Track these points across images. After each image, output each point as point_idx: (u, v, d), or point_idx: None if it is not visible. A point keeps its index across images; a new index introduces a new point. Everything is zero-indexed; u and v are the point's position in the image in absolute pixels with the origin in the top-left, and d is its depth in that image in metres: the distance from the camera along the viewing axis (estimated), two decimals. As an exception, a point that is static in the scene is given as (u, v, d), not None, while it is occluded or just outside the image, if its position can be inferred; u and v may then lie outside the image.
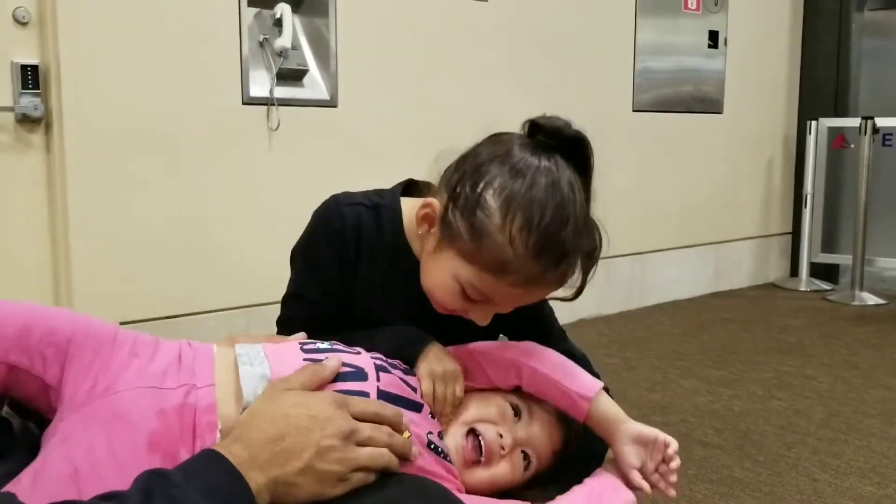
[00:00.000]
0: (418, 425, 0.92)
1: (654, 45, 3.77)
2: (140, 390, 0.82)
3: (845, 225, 4.30)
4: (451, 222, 0.95)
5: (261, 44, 2.57)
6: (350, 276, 1.09)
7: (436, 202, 1.01)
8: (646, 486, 0.96)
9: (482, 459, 0.97)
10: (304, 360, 0.91)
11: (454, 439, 0.98)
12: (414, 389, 0.97)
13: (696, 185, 4.00)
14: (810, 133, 4.32)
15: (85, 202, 2.27)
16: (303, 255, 1.14)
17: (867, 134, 4.05)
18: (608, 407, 1.00)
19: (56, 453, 0.77)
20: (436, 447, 0.92)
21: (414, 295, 1.04)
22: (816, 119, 4.33)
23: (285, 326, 1.16)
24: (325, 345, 0.96)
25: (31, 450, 0.81)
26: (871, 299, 4.05)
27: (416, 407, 0.94)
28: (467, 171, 0.98)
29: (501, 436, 0.98)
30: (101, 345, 0.85)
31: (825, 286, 4.39)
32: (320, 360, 0.91)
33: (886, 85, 4.80)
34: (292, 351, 0.93)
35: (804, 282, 4.42)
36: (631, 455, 0.97)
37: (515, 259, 0.91)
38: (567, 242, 0.92)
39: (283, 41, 2.54)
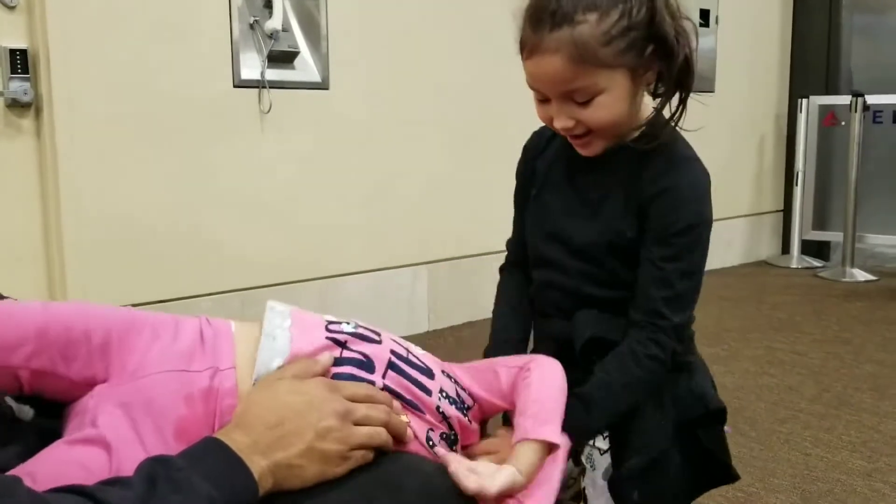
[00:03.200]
0: (418, 422, 0.91)
1: (646, 23, 3.75)
2: (168, 374, 0.83)
3: (836, 202, 4.32)
4: None
5: (251, 26, 2.55)
6: (535, 186, 1.16)
7: None
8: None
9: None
10: (326, 338, 0.91)
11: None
12: (427, 392, 0.94)
13: (687, 163, 3.99)
14: (801, 111, 4.33)
15: (76, 187, 2.26)
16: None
17: (858, 111, 4.06)
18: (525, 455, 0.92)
19: (84, 433, 0.78)
20: (433, 445, 0.92)
21: (565, 175, 1.11)
22: (807, 97, 4.34)
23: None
24: (350, 327, 0.95)
25: (32, 435, 0.81)
26: (861, 275, 4.08)
27: (417, 407, 0.93)
28: None
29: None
30: (122, 332, 0.84)
31: (816, 263, 4.42)
32: (340, 340, 0.91)
33: (877, 62, 4.80)
34: (317, 327, 0.92)
35: (795, 259, 4.45)
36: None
37: (524, 35, 1.02)
38: (552, 3, 0.98)
39: (274, 23, 2.53)
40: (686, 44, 1.01)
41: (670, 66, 0.99)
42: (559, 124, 1.01)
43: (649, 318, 1.02)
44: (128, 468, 0.73)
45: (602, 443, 1.11)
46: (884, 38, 4.83)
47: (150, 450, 0.77)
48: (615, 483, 1.07)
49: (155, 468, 0.69)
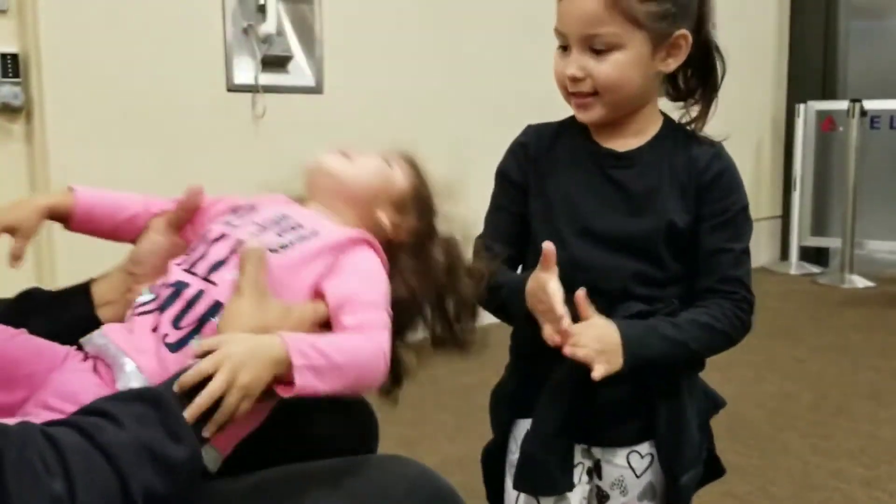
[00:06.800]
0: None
1: (643, 28, 3.75)
2: (81, 374, 0.83)
3: (835, 208, 4.31)
4: None
5: (245, 30, 2.54)
6: (538, 177, 1.13)
7: None
8: None
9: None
10: (138, 315, 0.86)
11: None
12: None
13: (685, 169, 3.98)
14: (799, 116, 4.32)
15: (68, 192, 2.25)
16: (496, 176, 1.19)
17: (855, 116, 4.05)
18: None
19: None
20: (273, 249, 0.88)
21: (596, 171, 1.08)
22: (805, 102, 4.33)
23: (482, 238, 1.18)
24: (147, 296, 0.90)
25: None
26: (860, 282, 4.06)
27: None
28: None
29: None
30: (47, 367, 0.84)
31: (815, 269, 4.40)
32: (151, 309, 0.87)
33: (874, 67, 4.80)
34: (138, 328, 0.86)
35: (794, 265, 4.43)
36: None
37: None
38: None
39: (268, 27, 2.52)
40: (723, 61, 1.14)
41: (706, 76, 1.13)
42: (569, 71, 1.03)
43: (733, 288, 1.04)
44: None
45: (640, 462, 1.09)
46: (881, 43, 4.83)
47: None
48: (674, 496, 1.09)
49: (147, 411, 0.68)
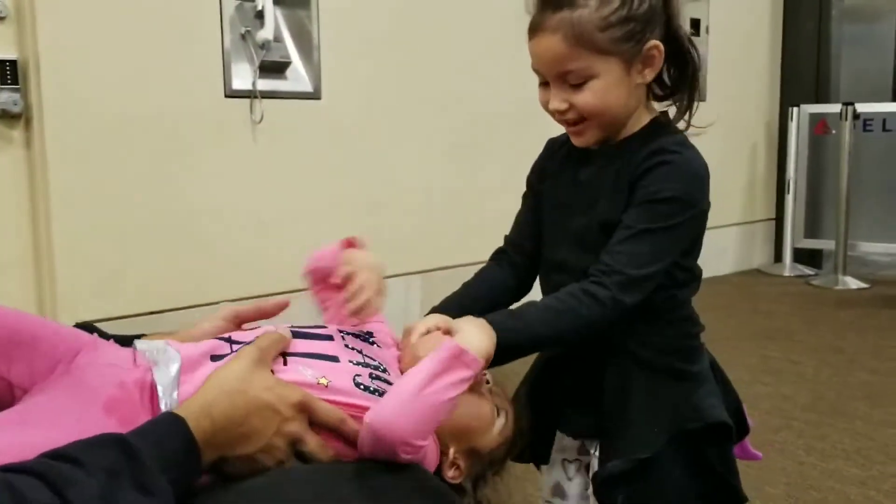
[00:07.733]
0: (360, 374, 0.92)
1: (637, 33, 3.76)
2: (100, 366, 0.84)
3: (828, 210, 4.33)
4: None
5: (242, 36, 2.55)
6: (541, 184, 1.18)
7: None
8: None
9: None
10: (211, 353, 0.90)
11: None
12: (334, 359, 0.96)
13: (680, 172, 4.00)
14: (792, 119, 4.34)
15: (67, 197, 2.25)
16: None
17: (848, 120, 4.08)
18: None
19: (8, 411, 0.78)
20: (366, 387, 0.91)
21: (573, 172, 1.12)
22: (798, 105, 4.36)
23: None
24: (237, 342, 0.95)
25: None
26: (854, 283, 4.09)
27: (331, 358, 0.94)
28: None
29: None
30: (70, 346, 0.86)
31: (809, 271, 4.43)
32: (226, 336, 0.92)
33: (867, 70, 4.83)
34: (204, 346, 0.91)
35: (788, 267, 4.45)
36: None
37: (532, 16, 1.05)
38: None
39: (265, 33, 2.52)
40: (696, 51, 1.07)
41: (683, 70, 1.06)
42: (552, 106, 1.05)
43: (608, 261, 1.00)
44: (55, 427, 0.74)
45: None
46: (873, 46, 4.86)
47: (81, 418, 0.77)
48: (598, 486, 1.06)
49: (119, 463, 0.68)
